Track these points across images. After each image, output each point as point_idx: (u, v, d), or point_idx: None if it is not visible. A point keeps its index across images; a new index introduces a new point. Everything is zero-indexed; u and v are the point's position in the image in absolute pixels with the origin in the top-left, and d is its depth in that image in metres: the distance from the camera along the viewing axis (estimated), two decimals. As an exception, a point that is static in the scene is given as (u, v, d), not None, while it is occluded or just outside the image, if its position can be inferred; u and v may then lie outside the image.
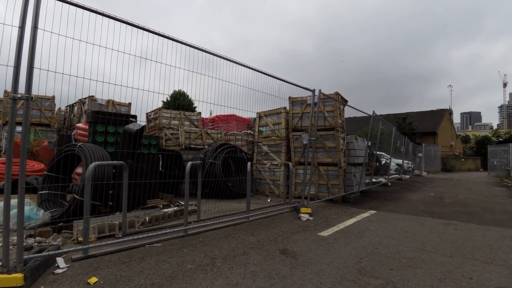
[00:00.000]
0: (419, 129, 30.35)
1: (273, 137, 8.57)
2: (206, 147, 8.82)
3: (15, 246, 2.67)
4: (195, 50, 4.21)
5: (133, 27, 3.45)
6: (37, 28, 2.50)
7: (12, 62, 2.44)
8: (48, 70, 2.68)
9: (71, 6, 2.89)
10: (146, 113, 10.98)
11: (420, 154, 22.60)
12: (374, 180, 11.05)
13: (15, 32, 2.44)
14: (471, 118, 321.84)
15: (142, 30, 3.58)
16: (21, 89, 2.52)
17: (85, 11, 2.98)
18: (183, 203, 4.56)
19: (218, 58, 4.56)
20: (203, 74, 4.31)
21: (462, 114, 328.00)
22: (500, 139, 33.64)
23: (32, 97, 2.55)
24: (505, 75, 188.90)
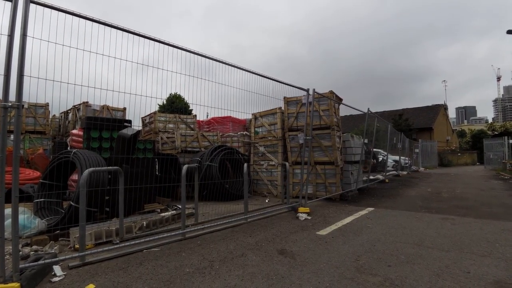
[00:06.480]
0: (415, 125, 30.52)
1: (269, 138, 8.57)
2: (203, 149, 8.80)
3: (12, 256, 2.65)
4: (191, 55, 4.21)
5: (126, 33, 3.44)
6: (26, 36, 2.49)
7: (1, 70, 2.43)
8: (38, 78, 2.66)
9: (66, 15, 2.89)
10: (141, 118, 10.94)
11: (416, 150, 22.71)
12: (371, 177, 11.06)
13: (4, 40, 2.43)
14: (466, 112, 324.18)
15: (137, 36, 3.57)
16: (13, 97, 2.51)
17: (77, 18, 2.98)
18: (180, 206, 4.56)
19: (214, 62, 4.57)
20: (199, 77, 4.32)
21: (457, 109, 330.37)
22: (496, 133, 33.86)
23: (23, 105, 2.53)
24: (499, 69, 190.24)
